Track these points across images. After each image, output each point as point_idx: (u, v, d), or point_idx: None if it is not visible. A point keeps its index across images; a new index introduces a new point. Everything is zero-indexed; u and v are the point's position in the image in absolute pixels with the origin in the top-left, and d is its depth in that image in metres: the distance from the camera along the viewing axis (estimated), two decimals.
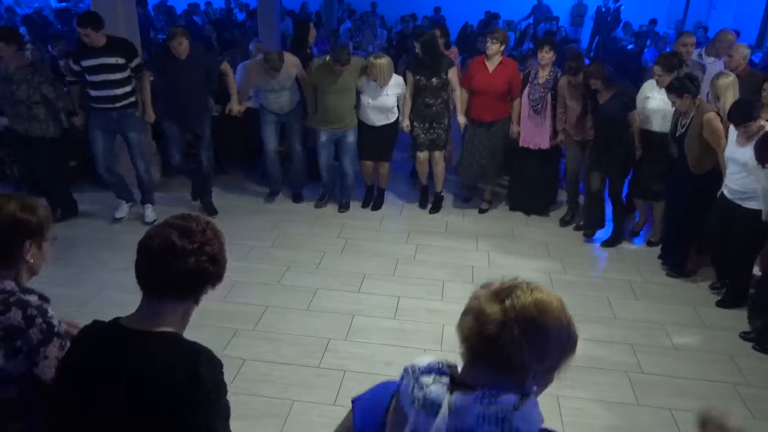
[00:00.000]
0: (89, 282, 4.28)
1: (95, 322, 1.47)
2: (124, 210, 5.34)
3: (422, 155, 5.54)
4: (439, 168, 5.59)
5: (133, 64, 4.94)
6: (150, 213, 5.29)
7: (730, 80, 4.34)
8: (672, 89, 4.19)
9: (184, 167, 5.57)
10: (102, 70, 4.78)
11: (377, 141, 5.47)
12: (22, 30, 9.66)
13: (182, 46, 4.89)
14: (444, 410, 1.05)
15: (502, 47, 5.28)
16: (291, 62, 5.33)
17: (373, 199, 5.81)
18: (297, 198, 5.85)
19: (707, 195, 4.18)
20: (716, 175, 4.14)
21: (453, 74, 5.30)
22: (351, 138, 5.41)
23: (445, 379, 1.10)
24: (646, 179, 4.91)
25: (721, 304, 4.26)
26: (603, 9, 15.08)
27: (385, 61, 5.15)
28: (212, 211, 5.46)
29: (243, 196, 5.99)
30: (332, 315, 3.97)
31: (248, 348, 3.60)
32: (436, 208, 5.75)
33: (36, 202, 1.62)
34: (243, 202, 5.85)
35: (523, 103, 5.32)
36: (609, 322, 4.04)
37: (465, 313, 1.12)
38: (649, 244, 5.11)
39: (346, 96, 5.25)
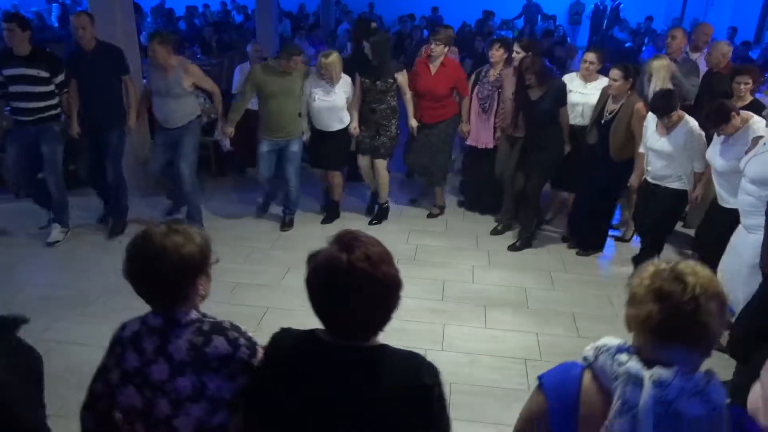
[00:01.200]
0: (95, 285, 4.28)
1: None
2: (44, 220, 5.09)
3: (362, 159, 5.35)
4: (383, 177, 5.35)
5: (57, 80, 4.65)
6: (56, 233, 4.91)
7: (663, 63, 4.58)
8: (620, 69, 4.28)
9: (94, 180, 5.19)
10: (22, 81, 4.52)
11: (329, 147, 5.23)
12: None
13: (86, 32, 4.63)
14: (648, 383, 1.19)
15: (446, 48, 5.24)
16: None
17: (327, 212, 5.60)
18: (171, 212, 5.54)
19: (624, 181, 4.47)
20: (632, 162, 4.39)
21: (403, 78, 5.11)
22: (295, 147, 5.13)
23: (636, 357, 1.24)
24: (570, 172, 4.87)
25: (635, 260, 4.51)
26: (601, 7, 15.10)
27: (335, 57, 5.00)
28: (118, 232, 5.07)
29: (242, 200, 5.98)
30: None
31: None
32: (378, 220, 5.50)
33: (191, 230, 1.52)
34: (242, 205, 5.85)
35: (473, 101, 5.29)
36: (612, 320, 4.04)
37: (639, 302, 1.24)
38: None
39: (291, 101, 5.00)
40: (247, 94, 5.04)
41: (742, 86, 4.16)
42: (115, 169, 4.98)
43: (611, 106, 4.43)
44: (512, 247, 5.02)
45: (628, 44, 11.05)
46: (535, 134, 4.78)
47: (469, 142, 5.44)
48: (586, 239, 4.93)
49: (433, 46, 5.17)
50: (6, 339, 1.48)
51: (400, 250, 4.93)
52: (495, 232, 5.30)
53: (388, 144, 5.25)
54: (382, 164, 5.31)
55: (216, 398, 1.48)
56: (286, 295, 4.24)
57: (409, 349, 3.54)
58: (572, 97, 4.82)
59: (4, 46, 4.70)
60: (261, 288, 4.33)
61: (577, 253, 4.93)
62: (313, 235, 5.20)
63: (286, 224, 5.36)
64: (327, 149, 5.26)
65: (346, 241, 1.37)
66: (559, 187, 5.32)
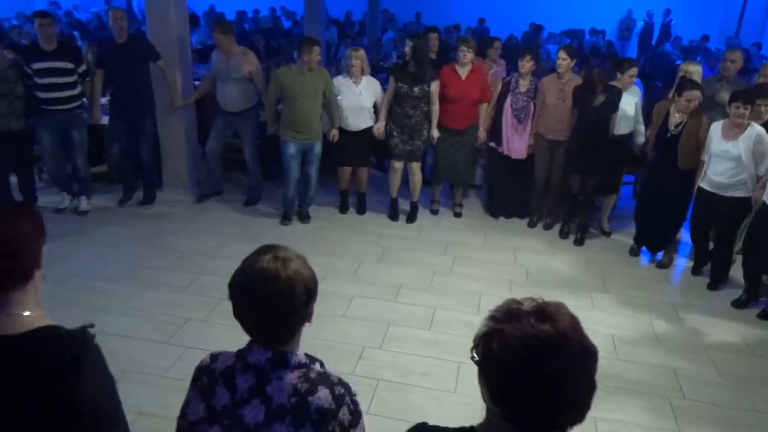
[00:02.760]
0: (133, 279, 4.40)
1: None
2: (66, 201, 5.54)
3: (399, 165, 5.50)
4: (417, 178, 5.56)
5: (80, 69, 5.12)
6: (84, 204, 5.49)
7: (698, 68, 4.97)
8: (693, 86, 4.50)
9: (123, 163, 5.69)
10: (51, 74, 4.93)
11: (356, 146, 5.44)
12: (75, 33, 10.06)
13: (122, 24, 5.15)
14: None
15: (473, 55, 5.39)
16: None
17: (354, 206, 5.83)
18: (251, 202, 5.88)
19: (690, 188, 4.68)
20: (694, 171, 4.63)
21: (435, 87, 5.25)
22: (318, 148, 5.32)
23: None
24: (609, 178, 5.28)
25: (711, 287, 4.69)
26: (650, 23, 14.83)
27: (363, 53, 5.30)
28: (146, 201, 5.71)
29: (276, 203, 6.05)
30: (368, 323, 3.98)
31: None
32: (412, 218, 5.68)
33: (294, 252, 1.40)
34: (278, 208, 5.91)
35: (506, 112, 5.37)
36: (653, 345, 3.93)
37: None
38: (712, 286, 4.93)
39: (314, 102, 5.12)
40: (272, 96, 5.20)
41: (763, 108, 4.35)
42: (150, 151, 5.58)
43: (675, 119, 4.61)
44: (578, 242, 5.34)
45: (678, 61, 10.80)
46: (593, 139, 4.99)
47: (506, 153, 5.48)
48: (656, 245, 5.09)
49: (464, 52, 5.25)
50: (94, 348, 1.37)
51: (438, 261, 4.92)
52: (532, 224, 5.68)
53: (421, 148, 5.43)
54: (417, 167, 5.51)
55: None
56: (322, 299, 4.22)
57: (442, 361, 3.53)
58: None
59: (32, 42, 5.10)
60: None
61: (658, 266, 5.03)
62: (349, 240, 5.23)
63: (305, 216, 5.58)
64: (354, 148, 5.43)
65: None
66: (601, 190, 5.43)
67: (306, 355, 1.42)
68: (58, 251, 4.62)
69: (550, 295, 3.84)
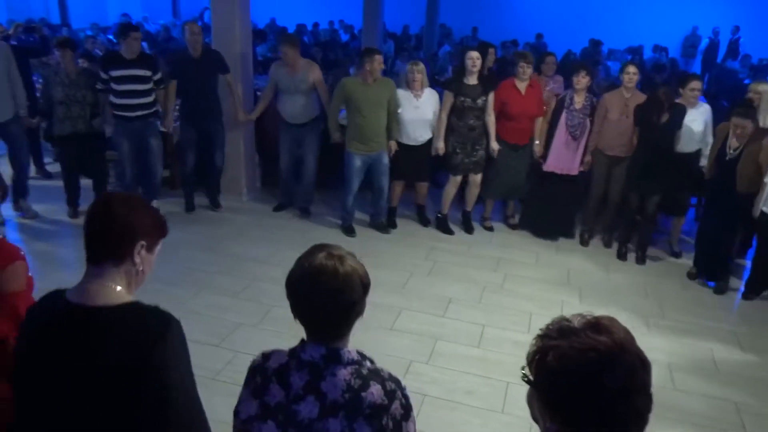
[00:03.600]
0: (188, 282, 4.53)
1: None
2: None
3: (459, 180, 5.47)
4: (476, 190, 5.56)
5: (156, 77, 5.31)
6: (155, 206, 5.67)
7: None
8: (743, 114, 4.41)
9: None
10: (130, 81, 5.15)
11: (415, 160, 5.41)
12: (143, 45, 10.50)
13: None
14: None
15: (531, 70, 5.37)
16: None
17: (418, 218, 5.82)
18: (305, 211, 5.91)
19: (750, 213, 4.50)
20: (754, 195, 4.45)
21: (492, 98, 5.25)
22: (386, 159, 5.31)
23: None
24: (677, 197, 5.17)
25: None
26: (715, 40, 14.33)
27: (422, 66, 5.29)
28: (216, 205, 5.91)
29: (332, 210, 6.13)
30: (415, 337, 3.97)
31: None
32: (470, 228, 5.70)
33: (345, 251, 1.47)
34: (334, 216, 5.99)
35: (560, 129, 5.28)
36: (712, 375, 3.76)
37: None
38: (747, 295, 4.80)
39: (380, 112, 5.12)
40: (336, 106, 5.24)
41: None
42: (222, 155, 5.77)
43: (734, 142, 4.52)
44: (639, 260, 5.23)
45: (746, 80, 10.38)
46: (656, 157, 4.88)
47: (549, 169, 5.40)
48: (713, 270, 4.93)
49: (524, 68, 5.22)
50: (176, 323, 1.47)
51: (488, 277, 4.86)
52: (584, 242, 5.55)
53: (484, 158, 5.40)
54: (479, 178, 5.48)
55: None
56: (371, 310, 4.23)
57: (490, 379, 3.48)
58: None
59: (112, 50, 5.30)
60: None
61: (715, 291, 4.84)
62: (399, 252, 5.24)
63: (381, 227, 5.62)
64: (413, 162, 5.41)
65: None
66: (667, 211, 5.32)
67: (357, 351, 1.45)
68: None
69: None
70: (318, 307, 1.39)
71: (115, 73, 5.11)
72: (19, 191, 5.52)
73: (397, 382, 1.44)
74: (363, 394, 1.37)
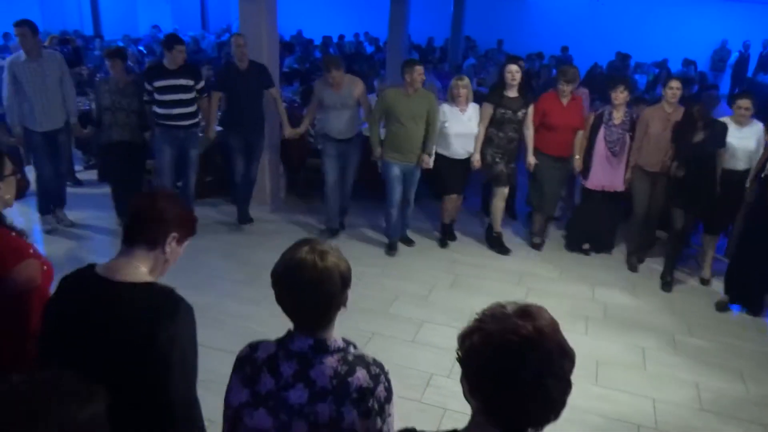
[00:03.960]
0: (210, 290, 4.56)
1: None
2: None
3: (504, 191, 5.41)
4: (503, 204, 5.54)
5: (198, 86, 5.35)
6: None
7: None
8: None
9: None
10: (174, 91, 5.20)
11: (459, 173, 5.38)
12: None
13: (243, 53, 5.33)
14: None
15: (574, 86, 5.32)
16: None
17: (448, 234, 5.73)
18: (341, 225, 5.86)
19: None
20: None
21: (531, 111, 5.22)
22: (418, 174, 5.30)
23: None
24: (720, 216, 4.95)
25: None
26: (746, 54, 14.10)
27: (466, 81, 5.26)
28: (247, 220, 5.85)
29: (359, 219, 6.14)
30: (437, 350, 3.94)
31: None
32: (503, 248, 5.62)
33: (330, 246, 1.54)
34: (360, 226, 5.99)
35: (599, 145, 5.19)
36: (740, 397, 3.66)
37: None
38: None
39: (419, 124, 5.08)
40: (377, 118, 5.20)
41: None
42: (256, 168, 5.76)
43: None
44: (666, 287, 4.99)
45: None
46: (697, 175, 4.71)
47: (592, 186, 5.30)
48: (751, 297, 4.66)
49: (565, 87, 5.17)
50: (186, 306, 1.65)
51: (511, 291, 4.81)
52: (632, 266, 5.32)
53: (516, 172, 5.39)
54: (506, 191, 5.45)
55: None
56: (392, 322, 4.27)
57: None
58: (729, 141, 4.76)
59: (155, 60, 5.34)
60: (368, 313, 4.39)
61: (747, 313, 4.66)
62: (420, 264, 5.22)
63: (408, 241, 5.59)
64: (458, 175, 5.38)
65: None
66: (709, 231, 5.13)
67: (343, 339, 1.53)
68: None
69: (628, 335, 3.68)
70: (299, 298, 1.47)
71: (158, 84, 5.17)
72: (56, 200, 5.65)
73: (381, 366, 1.52)
74: (350, 379, 1.45)
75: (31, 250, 2.01)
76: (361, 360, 1.50)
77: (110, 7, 15.29)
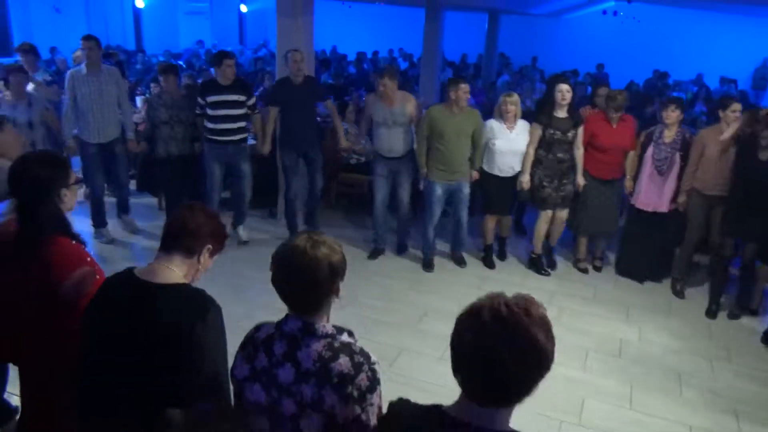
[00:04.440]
0: (241, 300, 4.61)
1: None
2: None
3: (549, 214, 5.30)
4: (562, 226, 5.40)
5: (250, 102, 5.42)
6: (244, 233, 5.77)
7: None
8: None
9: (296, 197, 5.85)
10: (225, 106, 5.29)
11: (505, 192, 5.30)
12: (211, 70, 11.00)
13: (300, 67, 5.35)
14: None
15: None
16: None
17: (495, 252, 5.66)
18: (402, 249, 5.74)
19: None
20: None
21: (581, 131, 5.12)
22: (467, 189, 5.22)
23: None
24: None
25: None
26: None
27: (516, 98, 5.17)
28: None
29: (392, 233, 6.12)
30: None
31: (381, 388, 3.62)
32: (552, 265, 5.53)
33: (330, 240, 1.63)
34: (393, 240, 5.97)
35: (646, 162, 5.04)
36: None
37: None
38: None
39: (464, 142, 5.04)
40: (423, 135, 5.11)
41: None
42: (319, 179, 5.79)
43: None
44: (710, 314, 4.80)
45: None
46: (758, 198, 4.40)
47: (638, 205, 5.16)
48: None
49: (613, 114, 5.07)
50: (217, 308, 1.78)
51: None
52: (677, 293, 5.14)
53: (572, 193, 5.23)
54: (565, 213, 5.32)
55: (330, 415, 1.53)
56: (421, 338, 4.24)
57: (541, 416, 3.38)
58: None
59: (210, 77, 5.63)
60: (397, 328, 4.37)
61: None
62: (450, 280, 5.19)
63: (460, 260, 5.52)
64: (504, 194, 5.32)
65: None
66: (761, 258, 4.79)
67: (334, 326, 1.62)
68: None
69: (664, 359, 3.58)
70: (287, 281, 1.59)
71: (211, 99, 5.27)
72: (124, 208, 5.90)
73: (366, 356, 1.58)
74: (332, 364, 1.54)
75: (89, 258, 2.09)
76: (347, 348, 1.57)
77: (152, 23, 15.76)
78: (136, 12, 15.33)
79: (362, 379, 1.54)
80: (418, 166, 5.27)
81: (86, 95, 5.28)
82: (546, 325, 1.25)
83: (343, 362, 1.54)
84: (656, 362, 4.12)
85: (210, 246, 1.86)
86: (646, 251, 5.26)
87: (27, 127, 5.06)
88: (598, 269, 5.56)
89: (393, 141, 5.23)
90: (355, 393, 1.53)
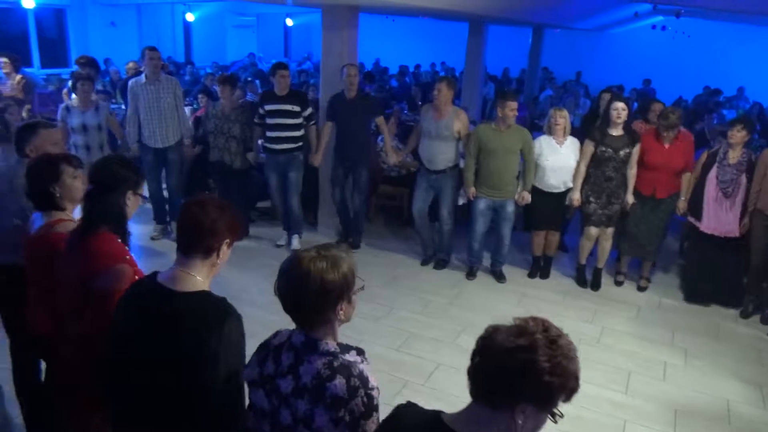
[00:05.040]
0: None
1: None
2: (283, 239, 5.97)
3: (595, 232, 5.20)
4: (608, 244, 5.27)
5: (306, 113, 5.53)
6: (296, 242, 5.87)
7: None
8: None
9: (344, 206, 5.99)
10: (279, 115, 5.45)
11: (553, 208, 5.24)
12: (257, 82, 11.25)
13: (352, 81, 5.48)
14: None
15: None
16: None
17: (540, 268, 5.59)
18: (441, 264, 5.69)
19: None
20: None
21: (637, 150, 4.98)
22: (511, 207, 5.17)
23: None
24: None
25: None
26: None
27: (565, 113, 5.10)
28: (356, 246, 5.98)
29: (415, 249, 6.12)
30: None
31: (416, 402, 3.60)
32: (597, 285, 5.39)
33: (339, 256, 1.59)
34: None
35: (710, 184, 4.87)
36: None
37: None
38: None
39: (511, 160, 5.01)
40: (472, 153, 5.10)
41: None
42: (364, 196, 5.91)
43: None
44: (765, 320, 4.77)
45: None
46: None
47: (706, 230, 4.97)
48: None
49: (665, 133, 4.94)
50: (236, 316, 1.76)
51: (583, 329, 4.64)
52: (745, 315, 4.99)
53: (618, 212, 5.13)
54: (611, 231, 5.21)
55: None
56: (459, 354, 4.20)
57: None
58: None
59: (269, 88, 5.85)
60: (434, 342, 4.35)
61: None
62: (490, 297, 5.13)
63: (500, 276, 5.48)
64: (551, 210, 5.26)
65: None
66: None
67: (339, 344, 1.59)
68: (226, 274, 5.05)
69: (712, 384, 3.47)
70: (281, 289, 1.58)
71: (268, 108, 5.49)
72: (172, 214, 6.09)
73: (365, 381, 1.52)
74: (328, 384, 1.51)
75: (128, 257, 2.16)
76: (345, 370, 1.53)
77: (202, 36, 16.24)
78: (187, 25, 15.82)
79: (357, 404, 1.50)
80: (465, 184, 5.25)
81: (145, 102, 5.60)
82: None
83: (339, 384, 1.50)
84: (703, 387, 3.98)
85: (228, 240, 1.84)
86: (714, 276, 5.09)
87: (96, 131, 5.40)
88: (642, 289, 5.42)
89: (433, 152, 5.24)
90: (347, 417, 1.49)
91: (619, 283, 5.47)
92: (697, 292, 5.22)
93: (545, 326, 1.30)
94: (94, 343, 2.04)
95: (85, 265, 2.09)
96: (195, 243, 1.79)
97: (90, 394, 2.12)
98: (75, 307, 2.15)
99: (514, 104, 4.96)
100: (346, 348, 1.59)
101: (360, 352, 1.61)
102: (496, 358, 1.25)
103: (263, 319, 4.29)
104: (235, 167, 5.78)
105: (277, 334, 1.69)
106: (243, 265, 5.33)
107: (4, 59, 6.47)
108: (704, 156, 5.01)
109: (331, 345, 1.57)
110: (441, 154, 5.22)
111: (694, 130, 7.64)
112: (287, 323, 1.62)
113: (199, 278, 1.80)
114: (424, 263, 5.70)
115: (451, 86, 5.17)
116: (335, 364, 1.53)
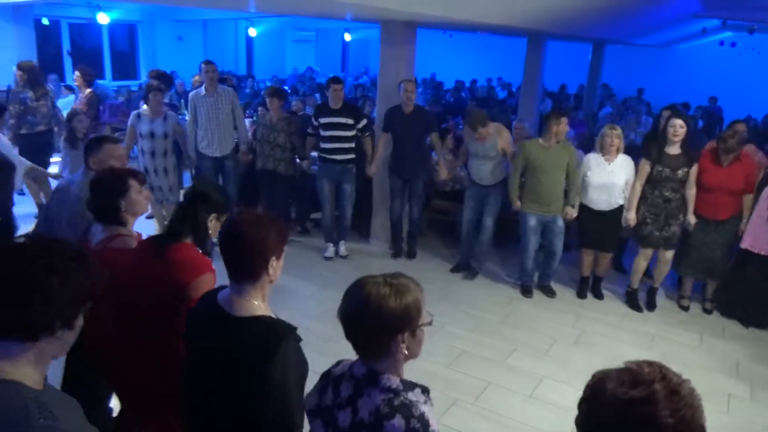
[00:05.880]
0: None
1: None
2: (331, 251, 6.03)
3: (649, 253, 5.06)
4: (666, 266, 5.12)
5: (359, 125, 5.66)
6: (343, 248, 6.03)
7: None
8: None
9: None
10: (334, 128, 5.59)
11: (601, 226, 5.09)
12: (316, 96, 11.48)
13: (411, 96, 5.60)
14: None
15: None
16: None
17: (589, 288, 5.45)
18: (471, 274, 5.73)
19: None
20: None
21: (695, 170, 4.82)
22: (561, 222, 5.11)
23: None
24: None
25: None
26: None
27: (619, 131, 4.97)
28: (412, 256, 6.10)
29: (491, 264, 6.05)
30: (556, 409, 3.74)
31: (465, 421, 3.56)
32: (653, 305, 5.25)
33: (406, 285, 1.51)
34: (489, 271, 5.88)
35: (761, 203, 4.68)
36: None
37: None
38: None
39: (559, 175, 4.98)
40: (518, 168, 5.14)
41: None
42: (419, 208, 6.01)
43: None
44: None
45: None
46: None
47: (746, 246, 4.80)
48: None
49: (724, 156, 4.80)
50: (293, 343, 1.71)
51: (641, 355, 4.41)
52: None
53: (678, 233, 4.98)
54: (670, 254, 5.06)
55: None
56: (510, 374, 4.13)
57: None
58: None
59: (324, 101, 6.05)
60: (485, 361, 4.28)
61: None
62: (544, 316, 5.02)
63: (548, 291, 5.43)
64: (599, 228, 5.13)
65: None
66: None
67: (403, 381, 1.51)
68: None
69: None
70: (342, 312, 1.52)
71: (322, 120, 5.66)
72: None
73: (425, 425, 1.44)
74: (385, 422, 1.43)
75: (214, 266, 2.24)
76: (406, 409, 1.45)
77: (263, 50, 16.72)
78: (249, 40, 16.35)
79: None
80: (510, 198, 5.24)
81: (204, 113, 5.85)
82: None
83: (398, 424, 1.42)
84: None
85: (274, 256, 1.75)
86: (752, 294, 4.90)
87: (162, 139, 5.65)
88: (708, 312, 5.21)
89: (482, 172, 5.44)
90: None
91: (684, 308, 5.26)
92: (731, 308, 5.06)
93: (663, 373, 1.15)
94: (171, 369, 2.08)
95: (165, 274, 2.15)
96: (240, 270, 1.75)
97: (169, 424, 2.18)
98: (154, 317, 2.19)
99: (565, 120, 5.01)
100: (410, 385, 1.51)
101: (425, 390, 1.52)
102: (609, 411, 1.13)
103: (316, 329, 4.36)
104: (279, 171, 5.92)
105: (339, 363, 1.66)
106: (297, 276, 5.45)
107: (77, 73, 6.86)
108: (761, 174, 4.83)
109: (393, 381, 1.49)
110: (489, 173, 5.43)
111: (764, 149, 7.30)
112: (340, 334, 1.61)
113: (255, 302, 1.75)
114: (453, 270, 5.80)
115: (486, 122, 5.25)
116: (396, 402, 1.46)
